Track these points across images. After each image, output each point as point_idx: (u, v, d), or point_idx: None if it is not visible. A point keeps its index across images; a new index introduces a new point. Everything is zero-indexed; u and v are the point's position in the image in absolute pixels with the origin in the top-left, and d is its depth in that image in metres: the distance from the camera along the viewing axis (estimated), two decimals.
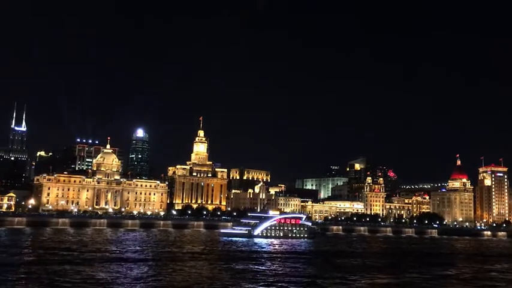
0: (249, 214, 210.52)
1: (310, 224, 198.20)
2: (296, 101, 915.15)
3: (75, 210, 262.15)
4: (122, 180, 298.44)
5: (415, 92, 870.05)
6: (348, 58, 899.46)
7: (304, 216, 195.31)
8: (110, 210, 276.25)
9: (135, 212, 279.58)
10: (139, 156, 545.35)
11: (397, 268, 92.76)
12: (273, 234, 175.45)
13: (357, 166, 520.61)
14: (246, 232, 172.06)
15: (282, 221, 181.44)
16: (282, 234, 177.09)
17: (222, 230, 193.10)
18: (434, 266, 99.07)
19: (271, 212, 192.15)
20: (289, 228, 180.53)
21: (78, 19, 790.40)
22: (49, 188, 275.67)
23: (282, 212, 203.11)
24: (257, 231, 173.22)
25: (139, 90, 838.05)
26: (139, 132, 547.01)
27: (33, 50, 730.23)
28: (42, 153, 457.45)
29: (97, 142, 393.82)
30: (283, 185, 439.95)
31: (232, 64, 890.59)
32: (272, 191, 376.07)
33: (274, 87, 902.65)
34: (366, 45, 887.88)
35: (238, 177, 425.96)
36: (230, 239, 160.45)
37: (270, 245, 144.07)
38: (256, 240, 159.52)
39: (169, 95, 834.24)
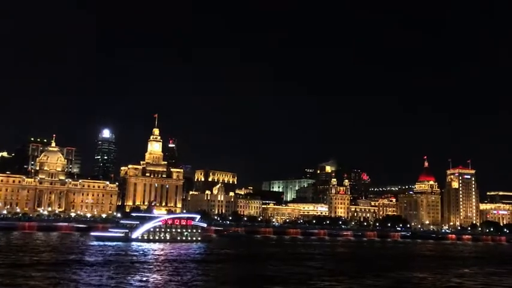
0: (132, 214, 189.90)
1: (205, 225, 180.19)
2: (274, 102, 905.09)
3: (4, 212, 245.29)
4: (67, 180, 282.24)
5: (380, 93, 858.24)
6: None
7: (198, 217, 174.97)
8: (45, 212, 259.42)
9: (73, 214, 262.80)
10: (105, 157, 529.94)
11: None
12: (157, 237, 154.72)
13: (328, 168, 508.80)
14: (123, 235, 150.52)
15: (170, 222, 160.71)
16: (169, 237, 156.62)
17: (93, 233, 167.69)
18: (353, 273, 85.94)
19: (156, 212, 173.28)
20: (179, 231, 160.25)
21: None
22: None
23: (171, 212, 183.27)
24: (136, 234, 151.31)
25: (108, 90, 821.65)
26: (106, 133, 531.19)
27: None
28: (5, 153, 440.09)
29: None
30: (250, 187, 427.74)
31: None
32: (232, 193, 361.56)
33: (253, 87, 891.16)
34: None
35: (203, 179, 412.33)
36: (103, 243, 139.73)
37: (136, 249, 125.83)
38: (135, 244, 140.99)
39: (140, 94, 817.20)
